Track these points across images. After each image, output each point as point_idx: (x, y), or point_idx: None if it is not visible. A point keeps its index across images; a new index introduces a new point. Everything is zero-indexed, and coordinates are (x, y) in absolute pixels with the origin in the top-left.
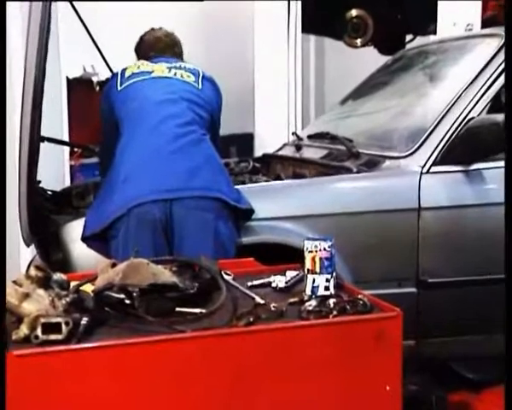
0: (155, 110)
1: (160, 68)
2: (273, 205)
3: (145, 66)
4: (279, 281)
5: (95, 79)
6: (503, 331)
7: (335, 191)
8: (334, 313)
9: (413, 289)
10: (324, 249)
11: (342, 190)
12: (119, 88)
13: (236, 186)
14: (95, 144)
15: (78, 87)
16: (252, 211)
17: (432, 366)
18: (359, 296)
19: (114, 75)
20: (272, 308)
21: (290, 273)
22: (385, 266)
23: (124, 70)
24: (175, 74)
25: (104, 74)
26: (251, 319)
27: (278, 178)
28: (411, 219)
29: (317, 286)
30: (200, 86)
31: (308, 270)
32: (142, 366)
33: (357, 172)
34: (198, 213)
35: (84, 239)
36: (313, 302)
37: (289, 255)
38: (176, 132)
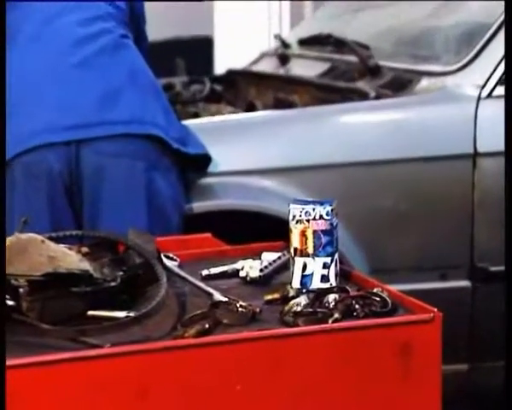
0: (41, 1)
1: None
2: (243, 151)
3: None
4: (251, 268)
5: None
6: None
7: (341, 129)
8: (336, 315)
9: (465, 283)
10: (321, 218)
11: (352, 126)
12: None
13: (184, 121)
14: None
15: None
16: (208, 159)
17: (495, 402)
18: (376, 290)
19: None
20: (239, 309)
21: (268, 256)
22: (420, 246)
23: None
24: None
25: None
26: (206, 326)
27: (251, 107)
28: (462, 172)
29: (310, 275)
30: None
31: (296, 250)
32: (33, 397)
33: (377, 98)
34: (120, 161)
35: None
36: (303, 300)
37: (267, 229)
38: (78, 34)
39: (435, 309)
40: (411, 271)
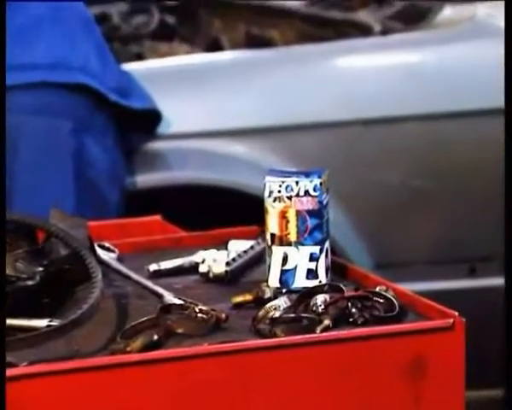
0: None
1: None
2: (204, 105)
3: None
4: (214, 261)
5: None
6: None
7: (336, 75)
8: (326, 322)
9: (499, 280)
10: (307, 195)
11: (351, 72)
12: None
13: (125, 65)
14: None
15: None
16: (157, 117)
17: None
18: (379, 290)
19: None
20: (199, 315)
21: (237, 245)
22: (440, 233)
23: None
24: None
25: None
26: (154, 338)
27: (215, 47)
28: (498, 132)
29: (293, 270)
30: None
31: (273, 237)
32: None
33: (384, 34)
34: (39, 119)
35: None
36: (283, 302)
37: (236, 209)
38: None
39: (456, 313)
40: (428, 265)
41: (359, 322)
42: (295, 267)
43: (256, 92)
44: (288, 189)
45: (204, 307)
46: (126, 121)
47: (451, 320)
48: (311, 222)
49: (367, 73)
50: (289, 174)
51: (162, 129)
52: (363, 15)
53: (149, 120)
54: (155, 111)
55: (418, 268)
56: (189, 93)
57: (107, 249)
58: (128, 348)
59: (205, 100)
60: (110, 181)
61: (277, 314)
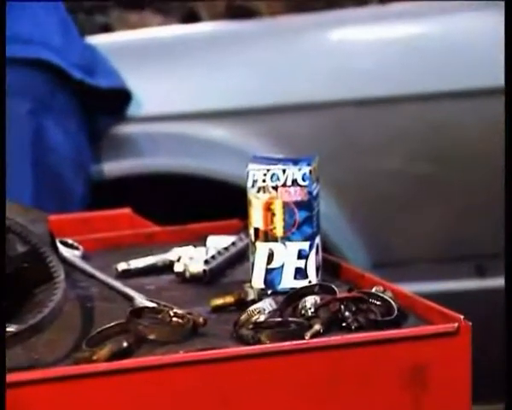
0: None
1: None
2: (180, 84)
3: None
4: (191, 260)
5: None
6: None
7: (328, 50)
8: (317, 327)
9: None
10: (295, 184)
11: (344, 46)
12: None
13: (90, 38)
14: None
15: None
16: (126, 97)
17: None
18: (375, 291)
19: None
20: (173, 319)
21: (216, 241)
22: (445, 227)
23: None
24: None
25: None
26: (124, 345)
27: (191, 17)
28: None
29: (279, 269)
30: None
31: (258, 232)
32: None
33: (381, 3)
34: None
35: None
36: (268, 305)
37: (215, 201)
38: None
39: (461, 317)
40: (431, 264)
41: (353, 327)
42: (282, 266)
43: (238, 69)
44: (274, 178)
45: (179, 311)
46: (92, 102)
47: (456, 324)
48: (299, 215)
49: (363, 48)
50: (275, 161)
51: (132, 111)
52: None
53: (118, 100)
54: (124, 90)
55: (420, 267)
56: (163, 70)
57: (71, 246)
58: (94, 357)
59: (180, 78)
60: (73, 169)
61: (262, 318)
